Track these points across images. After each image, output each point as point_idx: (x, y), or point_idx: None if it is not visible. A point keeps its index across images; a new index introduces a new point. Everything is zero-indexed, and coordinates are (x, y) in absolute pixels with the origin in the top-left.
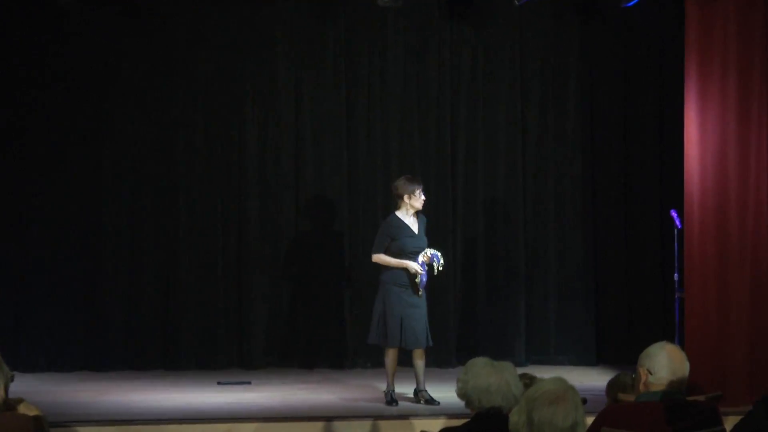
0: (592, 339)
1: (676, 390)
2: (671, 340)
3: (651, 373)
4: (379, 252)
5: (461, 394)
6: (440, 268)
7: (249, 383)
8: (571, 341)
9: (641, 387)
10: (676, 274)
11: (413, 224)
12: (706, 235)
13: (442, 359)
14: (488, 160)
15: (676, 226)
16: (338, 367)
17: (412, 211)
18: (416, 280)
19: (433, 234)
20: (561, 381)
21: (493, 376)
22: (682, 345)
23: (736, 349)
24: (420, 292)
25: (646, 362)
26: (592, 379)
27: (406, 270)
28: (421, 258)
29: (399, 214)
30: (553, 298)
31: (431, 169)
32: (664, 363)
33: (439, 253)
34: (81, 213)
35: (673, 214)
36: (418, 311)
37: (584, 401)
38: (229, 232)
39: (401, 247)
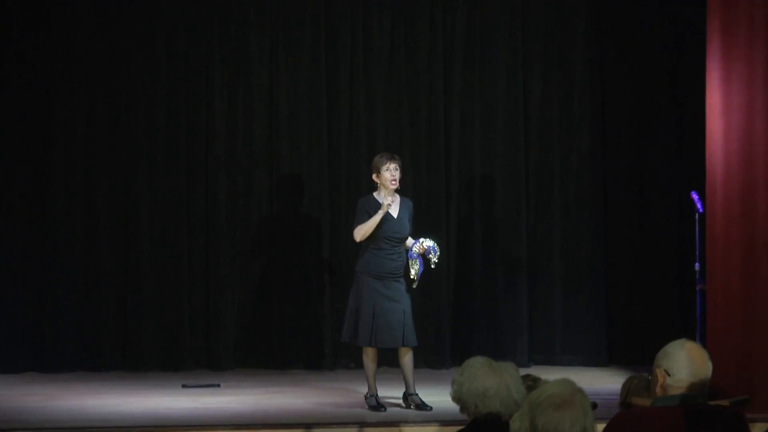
0: (603, 336)
1: (697, 394)
2: (692, 337)
3: (669, 375)
4: (355, 227)
5: (456, 398)
6: (436, 261)
7: (218, 386)
8: (579, 339)
9: (658, 390)
10: (697, 264)
11: (393, 207)
12: (731, 220)
13: (435, 360)
14: (486, 136)
15: (698, 210)
16: (318, 368)
17: (384, 191)
18: (412, 267)
19: (425, 219)
20: (568, 383)
21: (490, 378)
22: (704, 343)
23: (765, 347)
24: (414, 283)
25: (663, 362)
26: (603, 381)
27: (385, 260)
28: (416, 249)
29: (376, 195)
30: (558, 290)
31: (422, 146)
32: (683, 363)
33: (435, 245)
34: (28, 194)
35: (694, 196)
36: (396, 305)
37: (594, 406)
38: (195, 217)
39: (377, 232)
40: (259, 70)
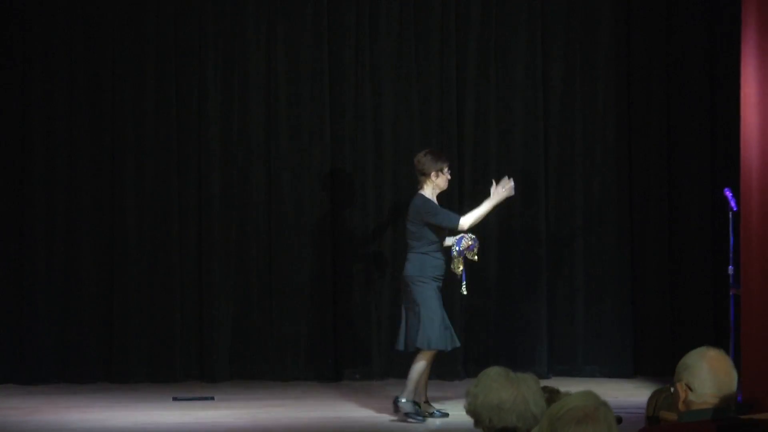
0: (629, 345)
1: (725, 407)
2: (724, 345)
3: (691, 390)
4: (455, 220)
5: (470, 411)
6: (474, 258)
7: (212, 399)
8: (603, 348)
9: (681, 406)
10: (730, 267)
11: None
12: (767, 219)
13: (446, 370)
14: (502, 127)
15: (731, 209)
16: (320, 380)
17: (437, 192)
18: (459, 266)
19: None
20: (591, 396)
21: (506, 390)
22: (738, 351)
23: None
24: (463, 289)
25: (684, 376)
26: (629, 394)
27: (441, 261)
28: (463, 244)
29: (425, 194)
30: (581, 295)
31: (432, 138)
32: (705, 377)
33: (476, 239)
34: (3, 191)
35: (728, 193)
36: (443, 307)
37: (619, 420)
38: (187, 214)
39: (441, 233)
40: (256, 55)
